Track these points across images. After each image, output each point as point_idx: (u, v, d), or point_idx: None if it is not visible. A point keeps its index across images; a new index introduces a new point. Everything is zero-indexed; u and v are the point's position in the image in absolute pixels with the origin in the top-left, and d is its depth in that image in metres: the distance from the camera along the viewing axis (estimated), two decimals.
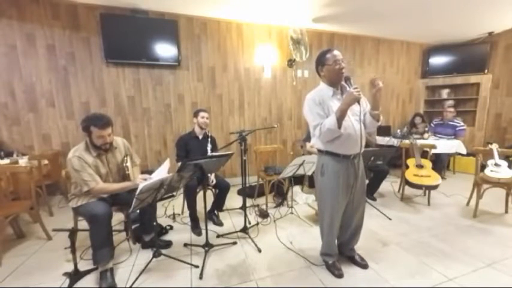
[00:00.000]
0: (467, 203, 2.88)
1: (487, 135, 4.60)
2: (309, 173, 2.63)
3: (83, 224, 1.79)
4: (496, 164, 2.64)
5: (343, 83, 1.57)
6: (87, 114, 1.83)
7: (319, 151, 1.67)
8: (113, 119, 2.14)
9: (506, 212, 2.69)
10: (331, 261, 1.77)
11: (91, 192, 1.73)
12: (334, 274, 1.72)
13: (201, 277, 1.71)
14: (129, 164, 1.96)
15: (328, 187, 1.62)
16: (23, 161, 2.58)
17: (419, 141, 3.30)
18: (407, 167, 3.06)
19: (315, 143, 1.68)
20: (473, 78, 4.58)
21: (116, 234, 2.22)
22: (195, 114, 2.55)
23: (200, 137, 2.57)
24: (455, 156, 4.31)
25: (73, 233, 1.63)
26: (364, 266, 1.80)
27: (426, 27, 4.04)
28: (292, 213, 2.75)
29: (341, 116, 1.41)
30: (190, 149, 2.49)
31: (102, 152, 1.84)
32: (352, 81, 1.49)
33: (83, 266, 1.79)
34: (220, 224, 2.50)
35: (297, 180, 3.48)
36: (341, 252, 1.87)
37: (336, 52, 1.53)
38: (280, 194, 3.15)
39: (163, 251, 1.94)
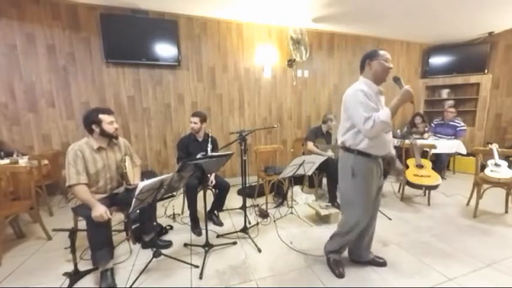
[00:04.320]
0: (467, 203, 2.88)
1: (487, 135, 4.60)
2: (309, 173, 2.63)
3: (83, 224, 1.79)
4: (496, 164, 2.64)
5: (380, 88, 1.58)
6: (85, 111, 1.85)
7: (348, 150, 1.59)
8: None
9: (506, 212, 2.69)
10: (335, 258, 1.75)
11: (71, 189, 1.71)
12: (334, 273, 1.71)
13: (201, 277, 1.71)
14: (127, 163, 1.95)
15: (361, 188, 1.56)
16: (23, 161, 2.57)
17: (419, 141, 3.30)
18: (407, 167, 3.07)
19: (347, 140, 1.58)
20: (473, 78, 4.57)
21: (115, 234, 2.22)
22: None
23: (200, 139, 2.57)
24: (455, 156, 4.31)
25: (73, 233, 1.64)
26: (383, 263, 1.81)
27: (426, 27, 4.04)
28: (292, 213, 2.75)
29: (394, 112, 1.41)
30: (191, 151, 2.49)
31: (103, 148, 1.86)
32: (402, 81, 1.50)
33: (83, 266, 1.79)
34: (220, 224, 2.50)
35: (297, 180, 3.48)
36: (355, 259, 1.85)
37: (387, 52, 1.55)
38: (280, 194, 3.15)
39: (163, 251, 1.94)
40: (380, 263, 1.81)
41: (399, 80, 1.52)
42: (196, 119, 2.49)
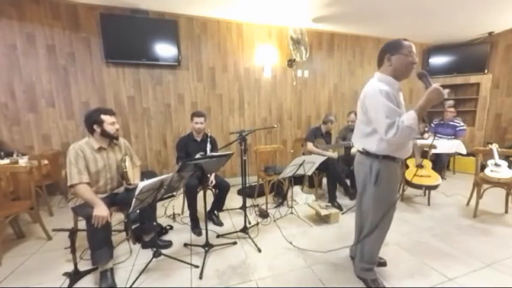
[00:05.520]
0: (467, 203, 2.88)
1: (487, 135, 4.60)
2: (309, 173, 2.63)
3: (83, 224, 1.79)
4: (496, 164, 2.63)
5: (399, 85, 1.41)
6: (87, 111, 1.85)
7: (372, 155, 1.42)
8: None
9: (506, 212, 2.69)
10: (374, 276, 1.62)
11: (73, 188, 1.70)
12: None
13: (201, 277, 1.71)
14: (127, 163, 1.96)
15: (387, 196, 1.46)
16: (23, 161, 2.57)
17: (419, 141, 3.30)
18: (407, 167, 3.06)
19: (370, 146, 1.41)
20: (473, 78, 4.58)
21: (115, 234, 2.22)
22: (191, 118, 2.52)
23: (199, 139, 2.57)
24: (455, 156, 4.31)
25: (73, 233, 1.64)
26: (384, 263, 1.80)
27: (426, 27, 4.04)
28: (292, 213, 2.75)
29: (421, 115, 1.24)
30: (190, 151, 2.49)
31: (103, 148, 1.86)
32: (429, 78, 1.29)
33: (83, 266, 1.79)
34: (220, 224, 2.50)
35: (297, 180, 3.48)
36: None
37: (411, 43, 1.34)
38: (280, 194, 3.15)
39: (163, 251, 1.94)
40: (380, 263, 1.80)
41: (426, 77, 1.29)
42: (201, 119, 2.49)
